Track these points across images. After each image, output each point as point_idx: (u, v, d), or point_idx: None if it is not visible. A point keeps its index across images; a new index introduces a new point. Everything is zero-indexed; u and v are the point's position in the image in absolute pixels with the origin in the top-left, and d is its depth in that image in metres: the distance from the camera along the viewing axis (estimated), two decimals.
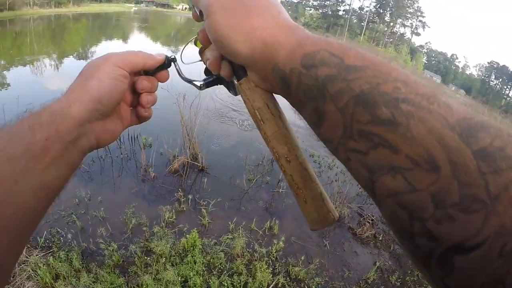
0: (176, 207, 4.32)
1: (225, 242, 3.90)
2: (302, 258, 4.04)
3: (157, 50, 15.97)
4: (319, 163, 6.89)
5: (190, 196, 4.54)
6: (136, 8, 67.15)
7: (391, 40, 74.20)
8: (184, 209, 4.37)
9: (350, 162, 0.33)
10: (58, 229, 3.59)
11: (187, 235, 3.73)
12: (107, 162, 5.10)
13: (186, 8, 62.12)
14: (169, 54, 0.52)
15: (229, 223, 4.23)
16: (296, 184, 0.42)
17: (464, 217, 0.23)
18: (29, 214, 0.36)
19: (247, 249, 3.91)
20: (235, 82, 0.46)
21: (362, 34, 70.45)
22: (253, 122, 0.46)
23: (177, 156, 5.35)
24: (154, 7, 77.64)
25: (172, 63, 0.53)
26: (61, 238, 3.50)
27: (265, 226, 4.39)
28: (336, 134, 0.32)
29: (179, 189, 4.63)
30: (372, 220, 5.28)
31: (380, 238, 4.96)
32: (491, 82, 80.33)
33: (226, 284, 3.33)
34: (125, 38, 15.35)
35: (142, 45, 16.33)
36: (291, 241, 4.35)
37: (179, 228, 3.99)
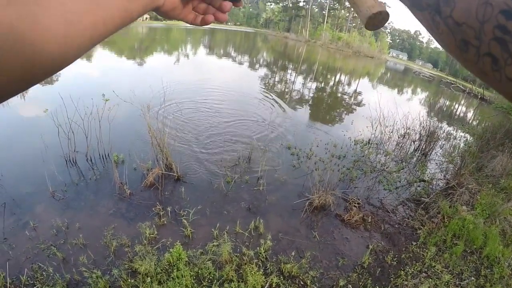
0: (156, 222, 4.15)
1: (211, 250, 3.75)
2: (293, 253, 3.96)
3: (121, 65, 15.56)
4: (297, 155, 6.85)
5: (169, 208, 4.36)
6: None
7: (353, 24, 75.30)
8: (165, 222, 4.19)
9: None
10: (40, 264, 3.38)
11: (171, 249, 3.59)
12: (81, 186, 4.85)
13: (147, 18, 61.06)
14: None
15: (213, 229, 4.09)
16: None
17: None
18: None
19: (235, 254, 3.78)
20: None
21: (325, 22, 71.27)
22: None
23: (151, 168, 5.16)
24: None
25: None
26: (44, 273, 3.29)
27: (250, 227, 4.28)
28: None
29: (157, 203, 4.45)
30: (358, 203, 5.25)
31: (369, 220, 4.94)
32: None
33: None
34: (87, 56, 14.77)
35: (106, 62, 15.90)
36: (279, 237, 4.25)
37: (162, 243, 3.83)
